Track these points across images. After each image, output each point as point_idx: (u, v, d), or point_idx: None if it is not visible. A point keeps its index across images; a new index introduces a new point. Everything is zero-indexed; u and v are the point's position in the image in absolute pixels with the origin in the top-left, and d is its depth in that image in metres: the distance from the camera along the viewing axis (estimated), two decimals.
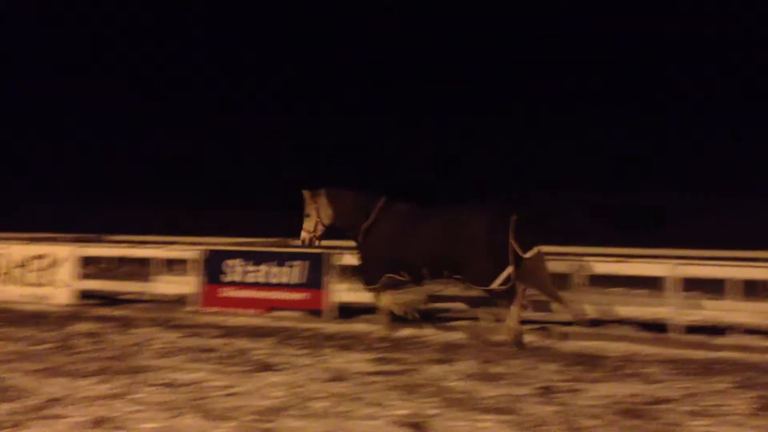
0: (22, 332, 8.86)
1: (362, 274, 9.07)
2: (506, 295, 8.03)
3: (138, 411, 5.28)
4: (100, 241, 15.18)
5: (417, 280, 8.76)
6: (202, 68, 55.18)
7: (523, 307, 8.23)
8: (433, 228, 8.37)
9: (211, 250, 11.37)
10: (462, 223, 8.20)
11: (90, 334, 8.81)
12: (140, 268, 14.49)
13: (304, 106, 51.02)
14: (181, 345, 8.21)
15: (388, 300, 8.86)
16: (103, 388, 5.95)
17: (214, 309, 10.68)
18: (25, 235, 15.13)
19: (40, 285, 11.94)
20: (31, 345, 8.00)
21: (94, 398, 5.61)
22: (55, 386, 5.99)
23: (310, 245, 9.25)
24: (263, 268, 10.71)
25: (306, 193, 9.08)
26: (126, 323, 9.82)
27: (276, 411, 5.31)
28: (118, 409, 5.32)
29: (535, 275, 8.11)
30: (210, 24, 56.10)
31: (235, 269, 10.86)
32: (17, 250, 12.37)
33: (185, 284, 11.58)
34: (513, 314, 7.99)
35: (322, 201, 8.98)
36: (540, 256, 8.13)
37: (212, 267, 10.97)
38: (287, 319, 10.01)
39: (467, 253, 7.98)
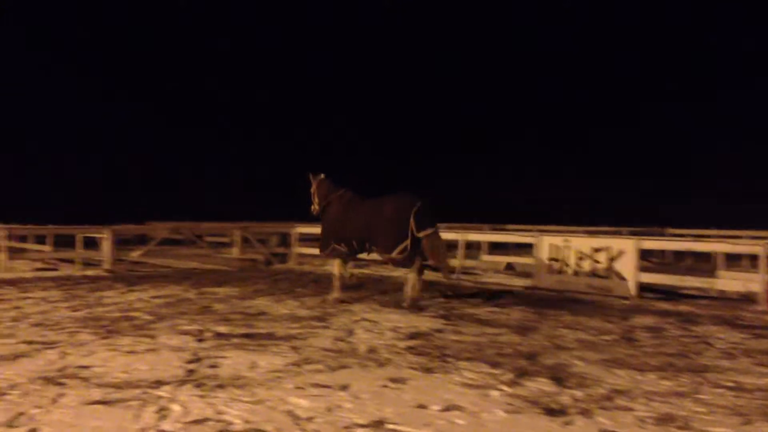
0: (588, 322, 9.36)
1: (320, 246, 11.89)
2: (404, 263, 10.59)
3: (704, 412, 5.04)
4: (660, 234, 15.26)
5: (351, 252, 11.34)
6: None
7: (420, 273, 10.62)
8: (362, 212, 10.92)
9: None
10: (379, 209, 10.64)
11: (652, 329, 8.83)
12: (701, 263, 14.03)
13: None
14: (747, 347, 7.60)
15: (340, 268, 11.50)
16: (667, 385, 5.86)
17: None
18: (588, 228, 16.24)
19: (603, 277, 12.58)
20: (596, 335, 8.36)
21: (658, 394, 5.56)
22: (619, 378, 6.12)
23: None
24: None
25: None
26: (688, 319, 9.57)
27: None
28: (684, 407, 5.18)
29: (430, 248, 10.45)
30: None
31: None
32: (581, 242, 13.27)
33: (751, 281, 10.73)
34: (410, 280, 10.61)
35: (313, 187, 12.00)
36: (434, 234, 10.43)
37: None
38: None
39: (378, 229, 10.52)
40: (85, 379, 5.74)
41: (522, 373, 6.25)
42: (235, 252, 17.85)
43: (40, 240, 19.27)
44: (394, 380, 5.91)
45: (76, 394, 5.25)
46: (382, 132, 47.29)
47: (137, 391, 5.37)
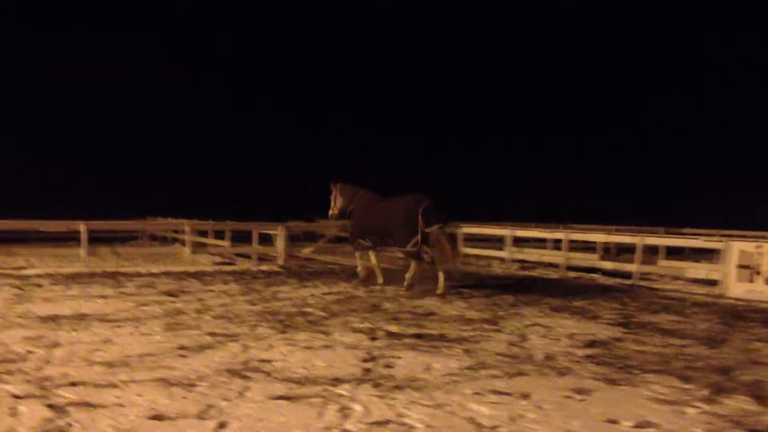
0: None
1: (350, 242, 13.62)
2: (414, 255, 12.00)
3: None
4: None
5: (373, 245, 12.84)
6: None
7: (427, 264, 12.17)
8: (379, 211, 12.38)
9: None
10: (393, 208, 12.09)
11: None
12: None
13: None
14: None
15: (365, 261, 13.28)
16: None
17: None
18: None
19: None
20: None
21: None
22: None
23: None
24: None
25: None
26: None
27: None
28: None
29: (436, 243, 11.86)
30: None
31: None
32: None
33: None
34: (412, 268, 12.22)
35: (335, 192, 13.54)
36: (440, 230, 11.78)
37: None
38: None
39: (394, 226, 11.94)
40: (267, 374, 5.86)
41: (718, 390, 5.70)
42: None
43: (219, 235, 20.43)
44: (577, 391, 5.55)
45: (260, 388, 5.35)
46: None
47: (318, 388, 5.39)
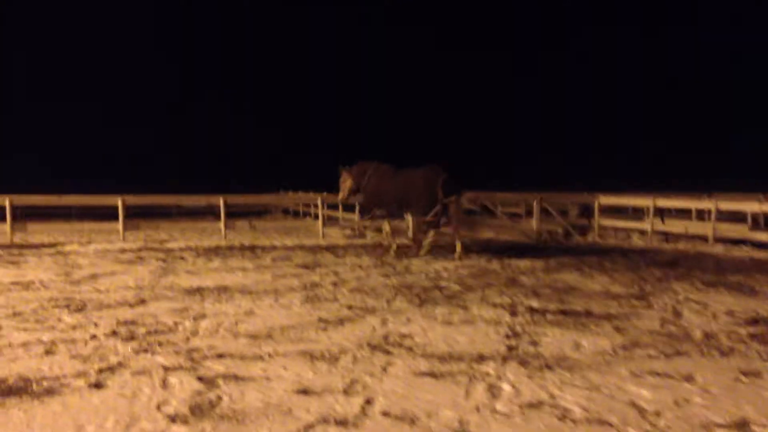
0: None
1: (360, 212, 16.09)
2: (433, 224, 12.98)
3: None
4: None
5: (390, 214, 13.97)
6: None
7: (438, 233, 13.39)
8: (398, 183, 13.13)
9: None
10: (412, 180, 12.87)
11: None
12: None
13: None
14: None
15: (388, 225, 14.21)
16: None
17: None
18: None
19: None
20: None
21: None
22: None
23: None
24: None
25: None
26: None
27: None
28: None
29: (453, 212, 12.78)
30: None
31: None
32: None
33: None
34: (429, 235, 13.18)
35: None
36: (457, 200, 12.73)
37: None
38: None
39: (414, 196, 12.80)
40: (409, 349, 5.73)
41: None
42: (533, 223, 17.41)
43: (349, 209, 20.64)
44: (745, 373, 5.05)
45: (403, 364, 5.23)
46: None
47: (462, 365, 5.20)
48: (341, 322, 6.83)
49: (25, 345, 5.84)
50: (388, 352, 5.59)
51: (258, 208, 26.28)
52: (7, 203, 15.11)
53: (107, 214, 17.01)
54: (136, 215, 18.10)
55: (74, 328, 6.55)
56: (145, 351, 5.64)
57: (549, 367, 5.17)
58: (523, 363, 5.29)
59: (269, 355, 5.47)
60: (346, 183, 14.18)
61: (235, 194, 17.72)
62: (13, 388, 4.64)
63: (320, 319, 6.91)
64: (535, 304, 7.91)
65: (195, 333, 6.32)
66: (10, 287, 9.07)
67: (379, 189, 13.47)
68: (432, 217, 12.75)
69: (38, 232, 16.46)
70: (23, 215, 19.27)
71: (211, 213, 22.07)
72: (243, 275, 10.18)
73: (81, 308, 7.54)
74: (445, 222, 13.10)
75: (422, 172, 12.85)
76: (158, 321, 6.86)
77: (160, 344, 5.88)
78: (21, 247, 14.46)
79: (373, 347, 5.76)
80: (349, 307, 7.59)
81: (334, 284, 9.32)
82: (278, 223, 22.19)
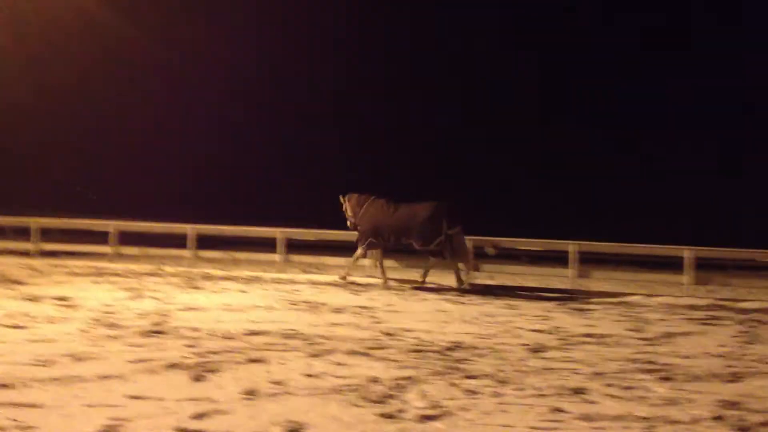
0: None
1: (358, 241, 14.87)
2: (436, 254, 13.97)
3: None
4: None
5: (386, 245, 14.49)
6: None
7: (443, 258, 14.04)
8: (398, 215, 14.17)
9: None
10: (414, 212, 14.01)
11: None
12: None
13: None
14: None
15: (380, 257, 14.89)
16: None
17: None
18: None
19: None
20: None
21: None
22: None
23: None
24: None
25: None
26: None
27: None
28: None
29: (456, 243, 13.77)
30: None
31: None
32: None
33: None
34: (430, 264, 14.38)
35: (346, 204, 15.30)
36: (460, 231, 13.78)
37: None
38: None
39: (416, 227, 13.76)
40: None
41: None
42: None
43: None
44: None
45: None
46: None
47: None
48: None
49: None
50: None
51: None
52: None
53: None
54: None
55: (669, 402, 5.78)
56: None
57: None
58: None
59: None
60: (349, 211, 15.09)
61: None
62: None
63: None
64: None
65: None
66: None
67: (375, 219, 14.47)
68: (435, 246, 13.82)
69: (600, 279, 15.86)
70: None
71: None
72: None
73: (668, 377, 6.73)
74: (456, 252, 13.92)
75: (426, 204, 14.11)
76: None
77: None
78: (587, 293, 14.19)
79: None
80: None
81: None
82: None
